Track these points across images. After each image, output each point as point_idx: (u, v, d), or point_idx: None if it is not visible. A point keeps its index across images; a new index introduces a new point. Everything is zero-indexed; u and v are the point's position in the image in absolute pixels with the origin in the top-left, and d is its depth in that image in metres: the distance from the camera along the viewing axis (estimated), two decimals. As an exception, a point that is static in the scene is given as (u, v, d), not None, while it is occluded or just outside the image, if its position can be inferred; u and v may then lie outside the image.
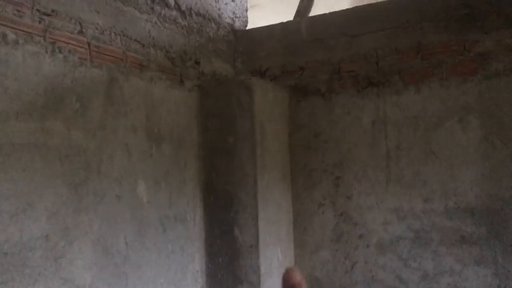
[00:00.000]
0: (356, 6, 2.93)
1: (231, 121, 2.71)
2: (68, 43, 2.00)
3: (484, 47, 2.52)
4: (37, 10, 1.88)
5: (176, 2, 2.69)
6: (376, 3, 2.86)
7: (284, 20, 3.17)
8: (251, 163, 2.65)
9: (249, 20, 3.50)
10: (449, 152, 2.59)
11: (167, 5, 2.63)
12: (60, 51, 1.95)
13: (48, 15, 1.92)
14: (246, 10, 3.44)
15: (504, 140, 2.46)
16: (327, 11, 3.01)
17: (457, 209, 2.56)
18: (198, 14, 2.89)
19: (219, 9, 3.11)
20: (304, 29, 3.03)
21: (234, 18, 3.28)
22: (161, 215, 2.47)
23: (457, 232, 2.57)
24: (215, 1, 3.08)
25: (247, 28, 3.39)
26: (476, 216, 2.53)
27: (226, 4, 3.19)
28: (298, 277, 0.46)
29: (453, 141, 2.58)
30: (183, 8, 2.76)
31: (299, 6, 3.39)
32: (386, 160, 2.76)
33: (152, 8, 2.52)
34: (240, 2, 3.36)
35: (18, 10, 1.79)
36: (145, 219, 2.36)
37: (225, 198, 2.73)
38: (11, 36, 1.75)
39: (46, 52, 1.89)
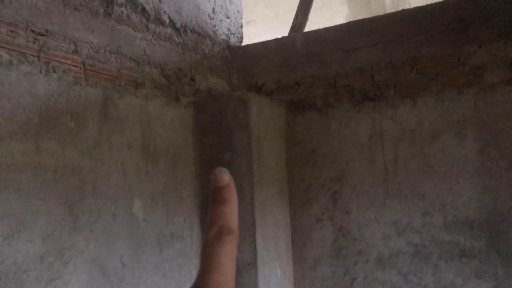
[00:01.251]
0: (350, 21, 2.95)
1: (228, 137, 2.71)
2: (62, 62, 2.00)
3: (479, 60, 2.53)
4: (31, 30, 1.88)
5: (171, 20, 2.71)
6: (370, 18, 2.88)
7: (280, 36, 3.19)
8: (248, 178, 2.64)
9: (244, 36, 3.52)
10: (446, 165, 2.58)
11: (162, 23, 2.64)
12: (54, 71, 1.95)
13: (42, 35, 1.92)
14: (241, 27, 3.46)
15: (501, 153, 2.45)
16: (322, 27, 3.03)
17: (456, 222, 2.54)
18: (193, 31, 2.91)
19: (214, 26, 3.13)
20: (299, 44, 3.04)
21: (229, 35, 3.29)
22: (157, 233, 2.45)
23: (457, 246, 2.55)
24: (210, 18, 3.09)
25: (243, 44, 3.41)
26: (475, 229, 2.51)
27: (221, 21, 3.21)
28: (226, 178, 0.41)
29: (450, 154, 2.58)
30: (178, 25, 2.77)
31: (293, 22, 3.41)
32: (383, 174, 2.75)
33: (147, 26, 2.54)
34: (235, 19, 3.38)
35: (12, 31, 1.79)
36: (142, 238, 2.34)
37: (222, 215, 2.70)
38: (5, 56, 1.75)
39: (40, 72, 1.89)
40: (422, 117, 2.67)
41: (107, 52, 2.26)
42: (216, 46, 3.13)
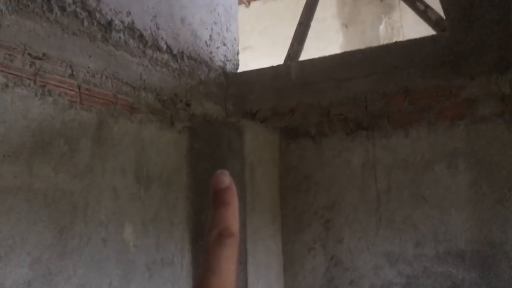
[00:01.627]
0: (344, 52, 3.00)
1: (221, 163, 2.71)
2: (58, 86, 2.01)
3: (471, 92, 2.57)
4: (29, 54, 1.90)
5: (168, 46, 2.74)
6: (365, 49, 2.92)
7: (276, 63, 3.23)
8: (240, 206, 2.61)
9: (241, 61, 3.56)
10: (439, 196, 2.59)
11: (158, 48, 2.67)
12: (50, 94, 1.96)
13: (39, 59, 1.94)
14: (237, 54, 3.50)
15: (492, 185, 2.47)
16: (317, 55, 3.07)
17: (448, 254, 2.54)
18: (189, 57, 2.94)
19: (210, 52, 3.16)
20: (294, 72, 3.07)
21: (226, 61, 3.33)
22: (148, 259, 2.42)
23: (449, 278, 2.53)
24: (207, 45, 3.13)
25: (239, 70, 3.45)
26: (467, 261, 2.50)
27: (217, 48, 3.25)
28: (227, 180, 0.40)
29: (443, 185, 2.59)
30: (175, 51, 2.80)
31: (289, 50, 3.46)
32: (376, 203, 2.75)
33: (144, 52, 2.56)
34: (232, 46, 3.42)
35: (9, 54, 1.81)
36: (131, 264, 2.31)
37: (214, 242, 2.68)
38: (1, 79, 1.76)
39: (36, 95, 1.90)
40: (414, 147, 2.69)
41: (104, 77, 2.27)
42: (212, 72, 3.16)
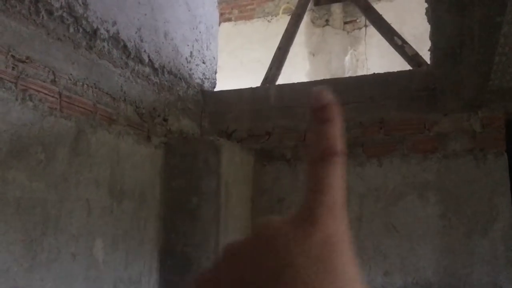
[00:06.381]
0: (324, 79, 3.06)
1: (196, 181, 2.67)
2: (39, 91, 1.94)
3: (443, 127, 2.67)
4: (12, 56, 1.82)
5: (150, 59, 2.70)
6: (344, 78, 3.00)
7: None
8: (214, 225, 2.59)
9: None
10: (409, 226, 2.65)
11: (141, 61, 2.63)
12: (30, 99, 1.88)
13: (22, 61, 1.86)
14: (215, 73, 3.50)
15: (461, 218, 2.55)
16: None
17: (415, 284, 2.59)
18: (170, 72, 2.91)
19: (190, 69, 3.15)
20: (272, 95, 3.10)
21: (204, 79, 3.32)
22: (115, 277, 2.33)
23: (416, 308, 2.58)
24: (187, 61, 3.11)
25: (216, 89, 3.44)
26: (433, 291, 2.56)
27: (197, 65, 3.23)
28: (327, 96, 0.36)
29: (413, 215, 2.65)
30: (157, 65, 2.77)
31: (267, 73, 3.49)
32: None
33: (127, 63, 2.51)
34: (211, 64, 3.42)
35: (-8, 55, 1.73)
36: (99, 281, 2.21)
37: (184, 261, 2.62)
38: (-18, 80, 1.67)
39: (16, 99, 1.82)
40: (387, 177, 2.75)
41: (85, 85, 2.21)
42: (190, 89, 3.14)
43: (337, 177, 0.35)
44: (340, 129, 0.36)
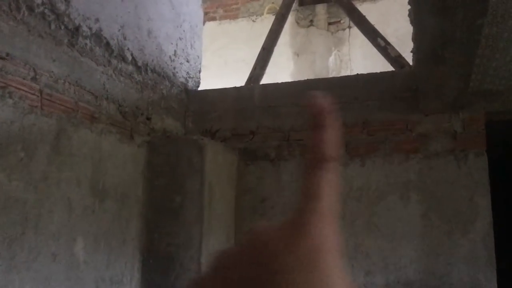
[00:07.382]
0: (308, 79, 3.07)
1: (180, 180, 2.65)
2: (19, 89, 1.91)
3: (425, 128, 2.70)
4: (-8, 52, 1.79)
5: (133, 57, 2.68)
6: (327, 78, 3.01)
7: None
8: (197, 225, 2.58)
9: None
10: (390, 226, 2.68)
11: (124, 59, 2.61)
12: (10, 97, 1.85)
13: (2, 58, 1.83)
14: (199, 72, 3.48)
15: (442, 218, 2.59)
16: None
17: (397, 283, 2.61)
18: (153, 71, 2.89)
19: (174, 68, 3.13)
20: (257, 95, 3.10)
21: (188, 78, 3.30)
22: (97, 277, 2.30)
23: (397, 306, 2.60)
24: (171, 60, 3.09)
25: (200, 88, 3.42)
26: (414, 290, 2.59)
27: (181, 64, 3.22)
28: (321, 102, 0.37)
29: (395, 215, 2.68)
30: (140, 63, 2.74)
31: (251, 73, 3.49)
32: (330, 229, 2.79)
33: (109, 61, 2.49)
34: (195, 63, 3.41)
35: (-29, 51, 1.69)
36: (80, 281, 2.19)
37: (166, 261, 2.61)
38: (-40, 76, 1.64)
39: (-4, 96, 1.78)
40: (370, 177, 2.77)
41: (67, 83, 2.18)
42: (174, 88, 3.12)
43: (331, 183, 0.36)
44: (336, 135, 0.37)
